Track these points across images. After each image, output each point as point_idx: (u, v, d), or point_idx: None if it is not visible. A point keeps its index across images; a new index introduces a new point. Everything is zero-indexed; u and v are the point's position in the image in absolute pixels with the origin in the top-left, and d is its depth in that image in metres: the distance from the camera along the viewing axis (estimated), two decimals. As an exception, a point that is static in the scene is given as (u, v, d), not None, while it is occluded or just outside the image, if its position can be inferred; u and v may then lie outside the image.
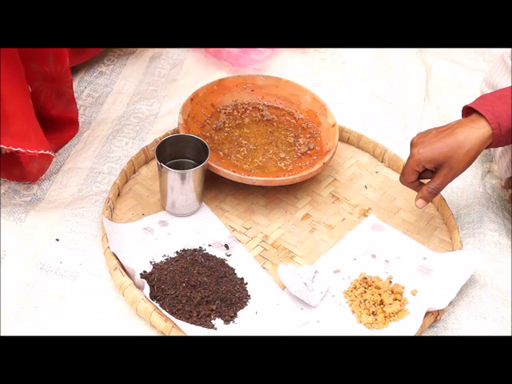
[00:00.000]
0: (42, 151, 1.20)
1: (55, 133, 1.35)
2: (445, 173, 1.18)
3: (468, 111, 1.20)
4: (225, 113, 1.41)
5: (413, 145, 1.21)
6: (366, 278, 1.20)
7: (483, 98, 1.19)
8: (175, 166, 1.26)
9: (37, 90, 1.27)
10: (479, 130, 1.15)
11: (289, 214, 1.31)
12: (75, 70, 1.54)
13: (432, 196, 1.21)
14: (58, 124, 1.36)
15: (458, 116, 1.24)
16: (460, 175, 1.39)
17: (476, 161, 1.42)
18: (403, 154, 1.44)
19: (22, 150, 1.17)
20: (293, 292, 1.16)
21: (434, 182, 1.20)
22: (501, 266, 1.24)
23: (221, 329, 1.12)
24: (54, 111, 1.33)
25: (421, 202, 1.22)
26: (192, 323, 1.11)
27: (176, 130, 1.36)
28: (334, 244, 1.27)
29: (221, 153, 1.34)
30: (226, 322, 1.13)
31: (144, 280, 1.13)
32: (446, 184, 1.20)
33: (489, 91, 1.36)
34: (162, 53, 1.62)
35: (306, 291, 1.15)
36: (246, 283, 1.18)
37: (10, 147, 1.15)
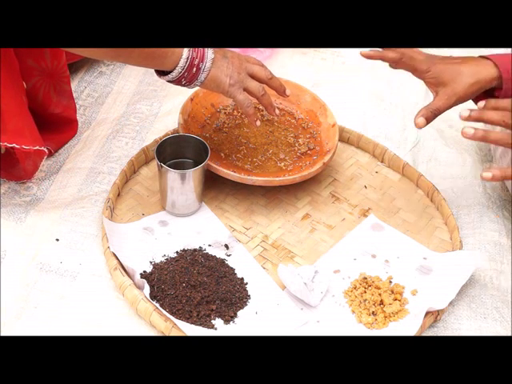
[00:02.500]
0: (37, 147, 1.20)
1: (55, 133, 1.35)
2: (447, 96, 1.20)
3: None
4: (225, 113, 1.41)
5: (426, 56, 1.23)
6: (366, 278, 1.20)
7: (491, 54, 1.22)
8: (175, 166, 1.26)
9: (35, 87, 1.27)
10: (488, 69, 1.19)
11: (289, 214, 1.31)
12: (75, 70, 1.54)
13: (433, 116, 1.20)
14: (58, 123, 1.36)
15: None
16: (460, 175, 1.40)
17: (476, 161, 1.43)
18: (403, 154, 1.44)
19: (17, 146, 1.17)
20: (293, 292, 1.16)
21: (436, 103, 1.20)
22: (501, 266, 1.24)
23: (221, 329, 1.12)
24: (53, 108, 1.32)
25: (422, 119, 1.19)
26: (192, 323, 1.11)
27: (176, 130, 1.36)
28: (334, 244, 1.27)
29: (222, 153, 1.34)
30: (226, 321, 1.13)
31: (144, 280, 1.13)
32: (447, 108, 1.20)
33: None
34: (162, 53, 1.62)
35: (305, 291, 1.15)
36: (246, 283, 1.18)
37: (5, 143, 1.15)
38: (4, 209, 1.24)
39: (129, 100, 1.50)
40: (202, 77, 1.21)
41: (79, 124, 1.42)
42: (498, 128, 1.18)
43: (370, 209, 1.33)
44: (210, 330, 1.11)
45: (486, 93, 1.22)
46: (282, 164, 1.34)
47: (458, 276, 1.18)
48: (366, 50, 1.25)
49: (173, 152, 1.28)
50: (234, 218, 1.29)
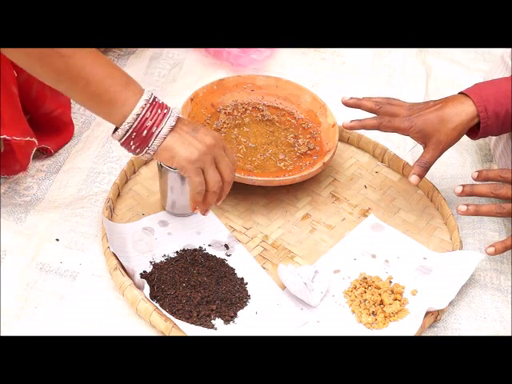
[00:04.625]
0: (28, 138, 1.20)
1: (53, 134, 1.35)
2: (433, 147, 1.21)
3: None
4: (225, 113, 1.41)
5: (406, 111, 1.23)
6: (366, 278, 1.20)
7: (475, 84, 1.23)
8: (175, 166, 1.26)
9: (28, 80, 1.25)
10: (467, 109, 1.20)
11: (289, 214, 1.31)
12: (75, 70, 1.54)
13: (425, 171, 1.22)
14: (54, 124, 1.35)
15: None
16: (460, 175, 1.40)
17: (476, 161, 1.43)
18: (403, 154, 1.44)
19: (7, 137, 1.17)
20: (293, 292, 1.16)
21: (424, 156, 1.22)
22: (501, 266, 1.24)
23: (221, 329, 1.12)
24: (48, 104, 1.31)
25: (415, 177, 1.22)
26: (192, 323, 1.11)
27: (176, 130, 1.36)
28: (334, 244, 1.27)
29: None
30: (226, 322, 1.13)
31: (144, 280, 1.13)
32: (436, 158, 1.22)
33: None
34: (161, 53, 1.62)
35: (305, 291, 1.15)
36: (246, 283, 1.18)
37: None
38: (4, 209, 1.24)
39: (129, 100, 1.50)
40: (154, 144, 1.05)
41: (79, 124, 1.42)
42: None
43: (369, 209, 1.33)
44: (210, 329, 1.11)
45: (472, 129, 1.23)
46: (282, 164, 1.34)
47: (457, 276, 1.19)
48: (347, 98, 1.28)
49: (173, 152, 1.28)
50: (234, 217, 1.29)
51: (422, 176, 1.23)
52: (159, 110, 1.05)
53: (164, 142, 1.05)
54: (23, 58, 1.00)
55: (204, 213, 1.14)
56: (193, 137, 1.06)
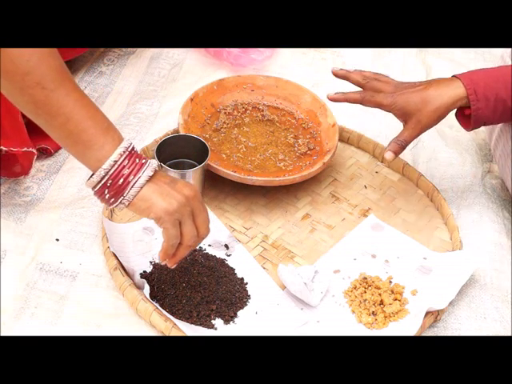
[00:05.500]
0: (24, 149, 1.20)
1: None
2: (412, 126, 1.21)
3: None
4: (225, 113, 1.41)
5: (391, 87, 1.24)
6: (366, 278, 1.20)
7: (469, 71, 1.22)
8: (175, 166, 1.26)
9: None
10: (453, 90, 1.19)
11: (289, 214, 1.31)
12: (75, 70, 1.54)
13: (401, 148, 1.23)
14: None
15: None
16: (460, 175, 1.40)
17: (476, 161, 1.43)
18: (403, 153, 1.43)
19: (4, 148, 1.16)
20: (293, 292, 1.16)
21: (403, 134, 1.22)
22: (501, 266, 1.24)
23: (221, 329, 1.12)
24: None
25: (390, 154, 1.22)
26: (192, 323, 1.11)
27: (176, 130, 1.36)
28: (334, 244, 1.27)
29: (222, 154, 1.34)
30: (226, 322, 1.13)
31: (144, 280, 1.13)
32: (414, 137, 1.22)
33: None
34: (161, 53, 1.62)
35: (306, 291, 1.15)
36: (246, 283, 1.18)
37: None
38: (4, 209, 1.24)
39: (129, 100, 1.50)
40: (129, 194, 0.99)
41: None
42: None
43: (369, 209, 1.33)
44: (209, 329, 1.11)
45: (460, 110, 1.23)
46: (282, 164, 1.34)
47: (458, 276, 1.18)
48: (337, 69, 1.29)
49: (173, 152, 1.28)
50: (234, 217, 1.29)
51: (397, 153, 1.23)
52: (137, 160, 1.00)
53: (141, 191, 1.00)
54: (5, 84, 0.96)
55: (172, 266, 1.07)
56: (171, 187, 1.01)
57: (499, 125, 1.33)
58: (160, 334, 1.10)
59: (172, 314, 1.11)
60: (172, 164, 1.28)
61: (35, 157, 1.27)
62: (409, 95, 1.21)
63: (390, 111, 1.23)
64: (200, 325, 1.11)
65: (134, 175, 0.99)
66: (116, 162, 0.98)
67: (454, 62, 1.67)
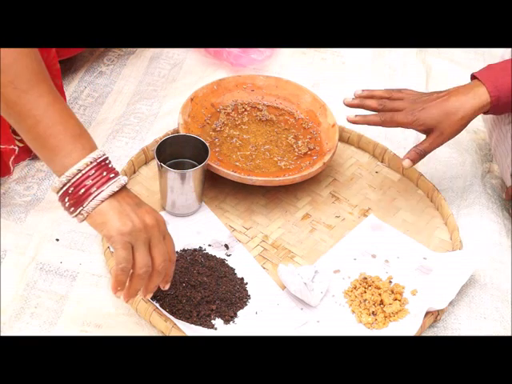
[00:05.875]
0: (12, 146, 1.19)
1: None
2: (435, 137, 1.21)
3: (474, 79, 1.23)
4: (225, 113, 1.41)
5: (409, 104, 1.23)
6: (366, 278, 1.20)
7: (489, 67, 1.21)
8: (175, 166, 1.26)
9: None
10: (476, 98, 1.19)
11: (289, 214, 1.31)
12: (75, 70, 1.54)
13: (419, 157, 1.23)
14: None
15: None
16: (460, 175, 1.40)
17: (476, 161, 1.43)
18: (403, 153, 1.43)
19: None
20: (293, 292, 1.16)
21: (423, 144, 1.22)
22: (501, 266, 1.24)
23: (221, 329, 1.12)
24: None
25: (407, 162, 1.23)
26: (192, 323, 1.11)
27: (176, 130, 1.36)
28: (334, 244, 1.27)
29: (222, 153, 1.34)
30: (226, 321, 1.13)
31: (144, 280, 1.13)
32: (435, 147, 1.23)
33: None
34: (161, 53, 1.62)
35: (306, 291, 1.15)
36: (246, 283, 1.18)
37: None
38: (4, 209, 1.24)
39: (129, 100, 1.50)
40: (89, 206, 0.96)
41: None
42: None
43: (369, 209, 1.33)
44: (209, 329, 1.11)
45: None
46: (282, 164, 1.34)
47: (457, 276, 1.18)
48: (349, 100, 1.28)
49: (173, 152, 1.28)
50: (234, 217, 1.29)
51: (415, 162, 1.23)
52: (105, 173, 0.97)
53: (100, 205, 0.96)
54: None
55: (127, 300, 1.02)
56: (133, 210, 0.97)
57: (499, 125, 1.33)
58: (160, 334, 1.11)
59: (172, 313, 1.11)
60: (172, 164, 1.28)
61: (12, 157, 1.26)
62: (429, 110, 1.20)
63: (412, 128, 1.23)
64: (200, 325, 1.11)
65: (98, 188, 0.96)
66: (80, 171, 0.96)
67: (454, 62, 1.67)
